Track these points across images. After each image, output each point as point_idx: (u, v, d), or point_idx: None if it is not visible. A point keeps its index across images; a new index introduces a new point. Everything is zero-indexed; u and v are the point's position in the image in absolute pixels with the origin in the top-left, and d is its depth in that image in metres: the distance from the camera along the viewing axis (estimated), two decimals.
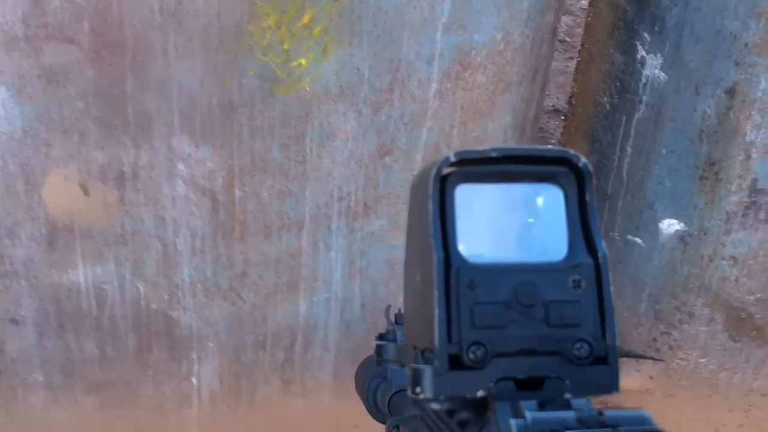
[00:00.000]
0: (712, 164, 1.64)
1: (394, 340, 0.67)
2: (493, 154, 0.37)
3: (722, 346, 1.86)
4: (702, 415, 1.93)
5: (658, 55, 1.62)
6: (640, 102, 1.69)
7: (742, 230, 1.73)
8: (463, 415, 0.40)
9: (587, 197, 0.39)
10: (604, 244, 0.39)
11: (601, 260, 0.38)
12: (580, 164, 0.39)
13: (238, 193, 1.41)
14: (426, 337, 0.38)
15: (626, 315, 1.94)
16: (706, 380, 2.05)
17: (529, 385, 0.38)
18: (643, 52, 1.64)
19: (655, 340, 1.89)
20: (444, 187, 0.38)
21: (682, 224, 1.78)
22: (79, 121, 1.29)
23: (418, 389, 0.38)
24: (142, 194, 1.40)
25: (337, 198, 1.48)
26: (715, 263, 1.80)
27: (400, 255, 1.66)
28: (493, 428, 0.36)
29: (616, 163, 1.86)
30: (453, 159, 0.37)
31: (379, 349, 0.68)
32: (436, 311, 0.36)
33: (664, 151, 1.69)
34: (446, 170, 0.38)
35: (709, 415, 1.93)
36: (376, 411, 0.74)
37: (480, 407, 0.38)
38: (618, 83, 1.74)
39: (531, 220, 0.40)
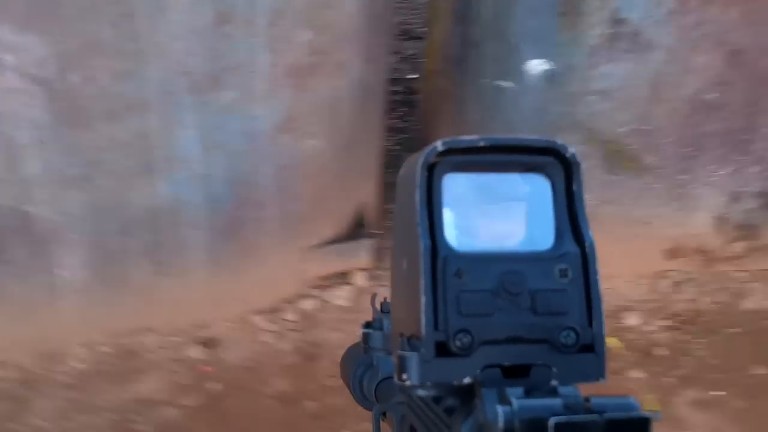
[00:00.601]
0: None
1: (381, 328, 0.74)
2: (481, 144, 0.42)
3: (600, 180, 2.18)
4: None
5: None
6: None
7: (607, 63, 1.98)
8: (450, 401, 0.45)
9: (574, 187, 0.44)
10: (591, 233, 0.44)
11: (588, 249, 0.43)
12: (567, 154, 0.43)
13: (74, 78, 1.58)
14: (413, 324, 0.43)
15: None
16: (588, 216, 2.38)
17: (515, 373, 0.43)
18: None
19: None
20: (431, 176, 0.43)
21: (548, 63, 2.04)
22: None
23: (404, 376, 0.43)
24: None
25: (181, 73, 1.67)
26: (585, 99, 2.07)
27: (258, 125, 1.87)
28: (480, 415, 0.40)
29: (480, 9, 2.07)
30: (440, 148, 0.42)
31: (365, 337, 0.75)
32: (423, 299, 0.42)
33: None
34: (433, 159, 0.42)
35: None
36: (362, 398, 0.81)
37: (466, 394, 0.43)
38: None
39: (518, 210, 0.45)
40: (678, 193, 2.17)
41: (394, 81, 2.59)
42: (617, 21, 1.86)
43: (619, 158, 2.10)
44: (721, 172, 2.13)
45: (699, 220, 2.22)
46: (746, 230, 2.25)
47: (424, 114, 2.59)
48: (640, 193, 2.16)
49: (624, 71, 1.94)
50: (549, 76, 1.98)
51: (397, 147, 2.64)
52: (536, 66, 1.97)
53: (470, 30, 2.08)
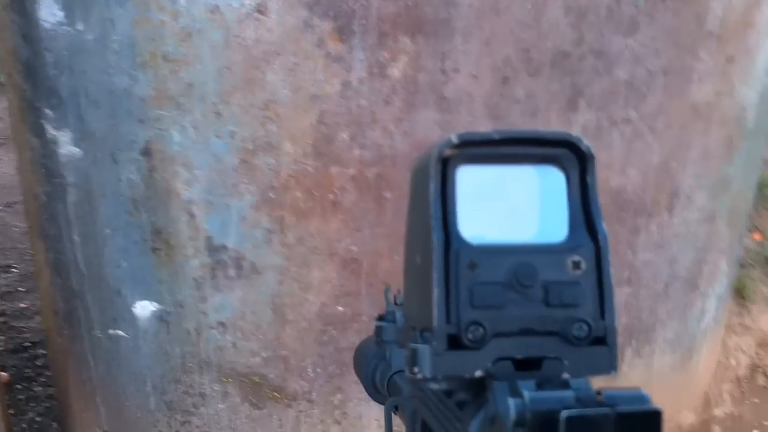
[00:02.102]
0: (159, 233, 1.90)
1: (394, 321, 0.78)
2: (495, 136, 0.46)
3: (249, 417, 2.16)
4: None
5: (66, 130, 1.83)
6: (68, 184, 1.90)
7: (217, 293, 2.03)
8: (461, 395, 0.49)
9: (588, 180, 0.48)
10: (604, 225, 0.47)
11: (601, 242, 0.47)
12: (582, 147, 0.47)
13: None
14: (425, 317, 0.46)
15: (140, 416, 2.15)
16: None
17: (527, 366, 0.46)
18: (52, 131, 1.85)
19: None
20: (445, 169, 0.46)
21: (155, 304, 2.04)
22: None
23: (416, 369, 0.46)
24: None
25: None
26: (205, 335, 2.08)
27: None
28: (491, 408, 0.43)
29: (72, 257, 2.05)
30: (455, 141, 0.46)
31: (378, 330, 0.79)
32: (436, 291, 0.45)
33: (108, 231, 1.90)
34: (448, 152, 0.46)
35: None
36: (374, 392, 0.86)
37: (478, 387, 0.46)
38: (44, 169, 1.94)
39: (532, 202, 0.48)
40: (338, 414, 2.19)
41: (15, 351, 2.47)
42: (215, 249, 1.91)
43: (261, 390, 2.09)
44: None
45: None
46: None
47: (55, 377, 2.46)
48: (297, 424, 2.15)
49: (238, 299, 1.98)
50: (161, 317, 1.97)
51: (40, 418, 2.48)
52: (144, 309, 1.96)
53: (70, 280, 2.04)
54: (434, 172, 0.46)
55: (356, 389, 2.17)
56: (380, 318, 0.81)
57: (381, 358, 0.87)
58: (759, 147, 2.36)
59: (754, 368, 2.91)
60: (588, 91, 1.84)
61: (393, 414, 0.71)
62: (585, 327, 0.45)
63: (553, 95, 1.82)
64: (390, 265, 1.96)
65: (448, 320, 0.45)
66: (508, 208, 0.48)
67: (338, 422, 2.19)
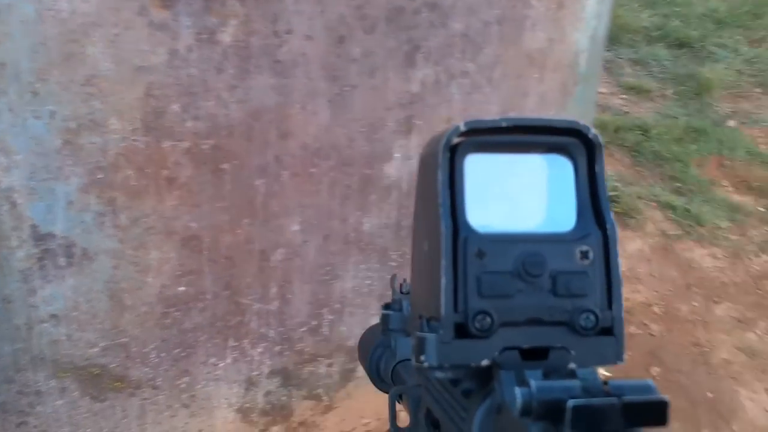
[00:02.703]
0: None
1: (400, 310, 0.79)
2: (503, 124, 0.46)
3: (90, 411, 2.10)
4: None
5: None
6: None
7: (47, 284, 1.95)
8: (467, 384, 0.49)
9: (597, 168, 0.48)
10: (612, 215, 0.48)
11: (609, 231, 0.47)
12: (590, 135, 0.47)
13: None
14: (432, 306, 0.46)
15: None
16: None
17: (534, 355, 0.46)
18: None
19: None
20: (453, 157, 0.47)
21: None
22: None
23: (422, 358, 0.46)
24: None
25: None
26: (37, 329, 2.00)
27: None
28: (498, 397, 0.44)
29: None
30: (463, 128, 0.46)
31: (384, 319, 0.80)
32: (443, 280, 0.45)
33: None
34: (456, 140, 0.46)
35: None
36: (378, 380, 0.89)
37: (484, 377, 0.47)
38: None
39: (540, 191, 0.48)
40: (186, 398, 2.16)
41: None
42: (41, 237, 1.82)
43: (101, 382, 2.03)
44: (222, 364, 2.17)
45: (222, 418, 2.23)
46: (276, 413, 2.30)
47: None
48: (142, 412, 2.11)
49: (70, 288, 1.90)
50: None
51: None
52: None
53: None
54: (442, 160, 0.47)
55: (203, 370, 2.14)
56: (386, 306, 0.82)
57: (386, 347, 0.88)
58: (592, 91, 2.48)
59: None
60: (425, 46, 1.87)
61: (397, 403, 0.72)
62: (592, 317, 0.47)
63: (391, 52, 1.83)
64: (232, 239, 1.94)
65: (455, 309, 0.46)
66: (516, 196, 0.49)
67: (186, 406, 2.17)
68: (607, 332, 0.47)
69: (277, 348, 2.13)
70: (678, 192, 3.91)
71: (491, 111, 2.13)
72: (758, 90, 4.81)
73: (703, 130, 4.32)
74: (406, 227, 2.16)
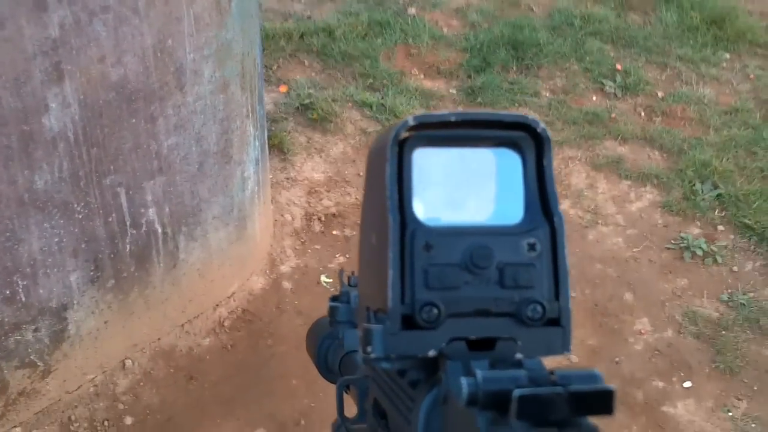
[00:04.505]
0: None
1: (348, 302, 0.83)
2: (452, 119, 0.49)
3: None
4: None
5: None
6: None
7: None
8: (414, 374, 0.52)
9: (545, 162, 0.50)
10: (560, 208, 0.50)
11: (556, 224, 0.50)
12: (538, 129, 0.50)
13: None
14: (379, 297, 0.49)
15: None
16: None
17: (481, 346, 0.48)
18: None
19: None
20: (402, 151, 0.49)
21: None
22: None
23: (369, 349, 0.48)
24: None
25: None
26: None
27: None
28: (444, 387, 0.46)
29: None
30: (411, 123, 0.48)
31: (332, 311, 0.85)
32: (390, 272, 0.47)
33: None
34: (404, 134, 0.49)
35: None
36: (326, 371, 0.92)
37: (431, 367, 0.50)
38: None
39: (488, 184, 0.51)
40: None
41: None
42: None
43: None
44: None
45: None
46: None
47: None
48: None
49: None
50: None
51: None
52: None
53: None
54: (390, 154, 0.49)
55: None
56: (334, 298, 0.86)
57: (334, 338, 0.92)
58: (249, 4, 2.58)
59: (308, 217, 3.27)
60: None
61: (345, 393, 0.73)
62: (539, 308, 0.49)
63: None
64: None
65: (402, 301, 0.48)
66: (464, 190, 0.51)
67: None
68: (554, 323, 0.50)
69: None
70: (371, 88, 4.15)
71: (146, 42, 2.18)
72: None
73: (386, 22, 4.57)
74: (84, 177, 2.19)
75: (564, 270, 0.50)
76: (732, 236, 3.49)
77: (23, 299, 2.18)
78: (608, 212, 3.58)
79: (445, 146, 0.51)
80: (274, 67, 4.16)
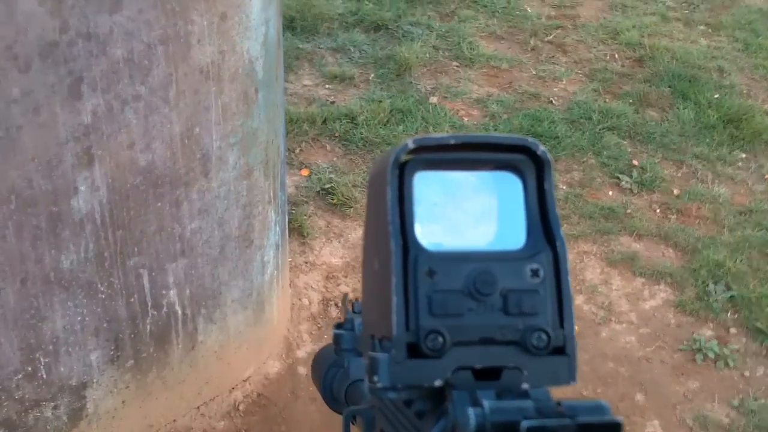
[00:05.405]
0: None
1: (352, 329, 0.80)
2: (452, 141, 0.48)
3: None
4: None
5: None
6: None
7: None
8: (420, 405, 0.51)
9: (546, 185, 0.50)
10: (562, 232, 0.49)
11: (559, 249, 0.49)
12: (538, 152, 0.49)
13: None
14: (384, 325, 0.48)
15: None
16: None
17: (486, 375, 0.48)
18: None
19: None
20: (402, 175, 0.49)
21: None
22: None
23: (375, 378, 0.47)
24: None
25: None
26: None
27: None
28: (451, 418, 0.45)
29: None
30: (411, 146, 0.48)
31: (336, 338, 0.82)
32: (394, 299, 0.47)
33: None
34: (404, 157, 0.49)
35: None
36: (332, 400, 0.92)
37: (437, 397, 0.48)
38: None
39: (489, 208, 0.50)
40: None
41: None
42: None
43: None
44: None
45: None
46: None
47: None
48: None
49: None
50: None
51: None
52: None
53: None
54: (391, 177, 0.49)
55: None
56: (338, 326, 0.84)
57: (339, 367, 0.92)
58: (276, 94, 2.67)
59: (326, 302, 3.32)
60: (88, 76, 1.97)
61: (351, 424, 0.73)
62: (544, 336, 0.48)
63: (52, 87, 1.92)
64: None
65: (407, 328, 0.48)
66: (465, 214, 0.51)
67: None
68: (559, 351, 0.49)
69: None
70: None
71: (174, 130, 2.27)
72: (455, 63, 5.27)
73: (408, 110, 4.68)
74: (109, 258, 2.25)
75: (568, 296, 0.50)
76: (744, 339, 3.50)
77: (44, 376, 2.23)
78: (622, 309, 3.61)
79: (445, 169, 0.51)
80: (297, 151, 4.25)
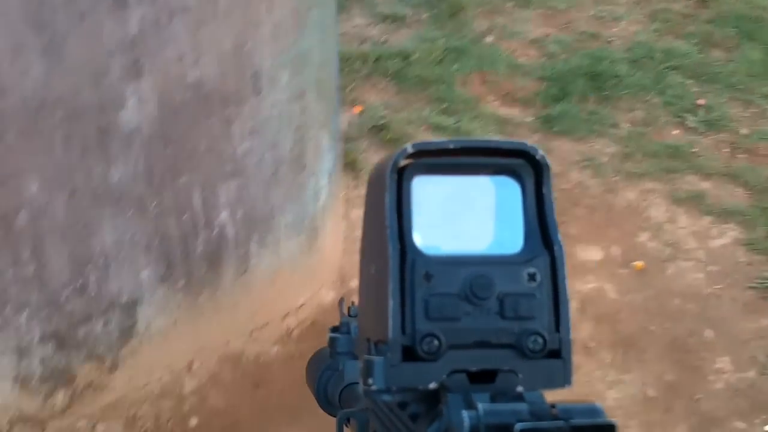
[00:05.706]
0: None
1: (348, 333, 0.82)
2: (451, 146, 0.49)
3: None
4: None
5: None
6: None
7: None
8: (415, 407, 0.52)
9: (544, 190, 0.51)
10: (560, 237, 0.50)
11: (556, 253, 0.50)
12: (537, 157, 0.50)
13: None
14: (380, 328, 0.49)
15: None
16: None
17: (481, 378, 0.48)
18: None
19: None
20: (401, 179, 0.49)
21: None
22: None
23: (370, 381, 0.48)
24: None
25: None
26: None
27: None
28: (445, 421, 0.46)
29: None
30: (410, 150, 0.48)
31: (332, 342, 0.83)
32: (391, 302, 0.47)
33: None
34: (403, 162, 0.49)
35: None
36: (326, 404, 0.92)
37: (432, 400, 0.49)
38: None
39: (487, 212, 0.51)
40: None
41: None
42: None
43: None
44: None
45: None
46: (57, 378, 2.27)
47: None
48: None
49: None
50: None
51: None
52: None
53: None
54: (389, 181, 0.49)
55: None
56: (334, 329, 0.85)
57: (334, 370, 0.91)
58: (329, 16, 2.57)
59: None
60: None
61: (345, 426, 0.73)
62: (540, 340, 0.49)
63: None
64: None
65: (403, 332, 0.48)
66: (463, 218, 0.51)
67: None
68: (555, 355, 0.49)
69: (44, 312, 2.11)
70: (446, 112, 4.11)
71: (224, 45, 2.18)
72: (511, 4, 5.12)
73: (463, 49, 4.55)
74: (159, 175, 2.18)
75: (564, 300, 0.50)
76: None
77: (94, 291, 2.18)
78: (689, 247, 3.47)
79: (444, 174, 0.51)
80: (349, 89, 4.15)
